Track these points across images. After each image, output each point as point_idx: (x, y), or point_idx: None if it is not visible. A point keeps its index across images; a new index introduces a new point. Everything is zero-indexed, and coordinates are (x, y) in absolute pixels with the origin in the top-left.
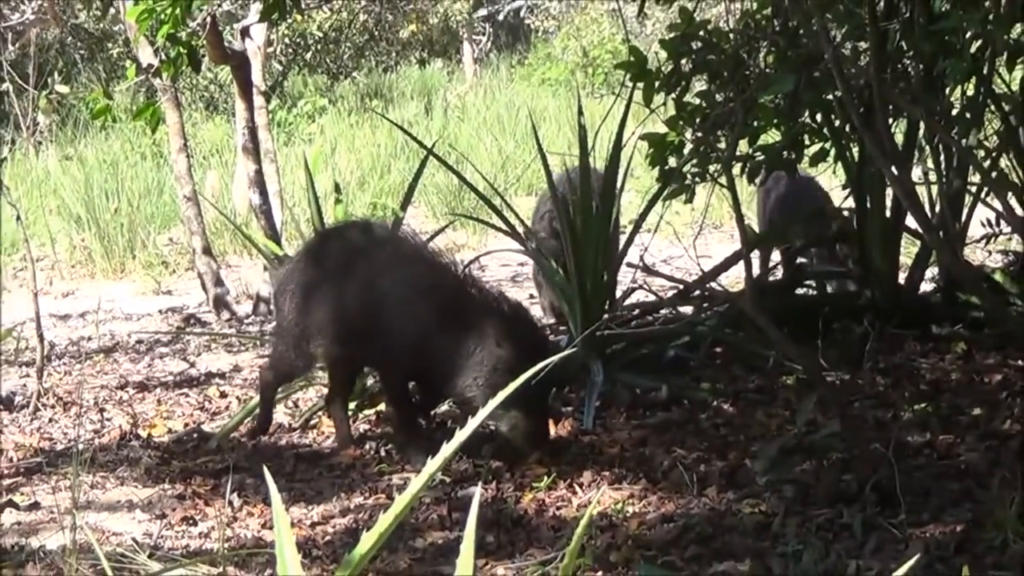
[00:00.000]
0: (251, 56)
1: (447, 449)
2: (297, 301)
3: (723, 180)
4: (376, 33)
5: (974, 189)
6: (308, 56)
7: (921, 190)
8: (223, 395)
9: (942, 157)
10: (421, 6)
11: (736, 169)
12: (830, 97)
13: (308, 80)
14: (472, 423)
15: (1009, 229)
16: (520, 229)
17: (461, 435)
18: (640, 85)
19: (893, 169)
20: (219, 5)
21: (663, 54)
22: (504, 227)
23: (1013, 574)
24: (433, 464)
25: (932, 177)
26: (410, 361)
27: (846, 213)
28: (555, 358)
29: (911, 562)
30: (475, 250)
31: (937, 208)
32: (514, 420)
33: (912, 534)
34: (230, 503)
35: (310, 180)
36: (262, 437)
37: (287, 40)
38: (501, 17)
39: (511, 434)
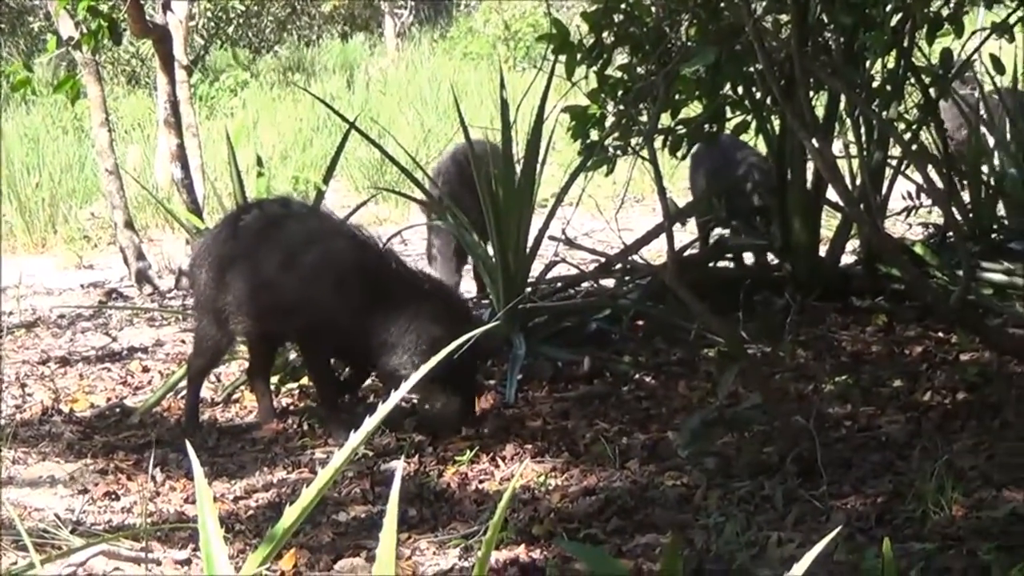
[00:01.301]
0: (173, 30)
1: (369, 423)
2: (217, 276)
3: (645, 153)
4: (298, 7)
5: (895, 162)
6: (230, 30)
7: (842, 163)
8: (145, 370)
9: (863, 130)
10: None
11: (658, 142)
12: (751, 70)
13: (230, 54)
14: (394, 397)
15: (929, 201)
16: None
17: (383, 409)
18: (562, 58)
19: (814, 142)
20: None
21: (585, 27)
22: (426, 200)
23: (934, 545)
24: (356, 438)
25: (853, 150)
26: (334, 337)
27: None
28: (477, 332)
29: (833, 534)
30: (397, 224)
31: (858, 181)
32: (443, 398)
33: (833, 506)
34: (152, 478)
35: (232, 154)
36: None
37: (209, 14)
38: None
39: (439, 412)
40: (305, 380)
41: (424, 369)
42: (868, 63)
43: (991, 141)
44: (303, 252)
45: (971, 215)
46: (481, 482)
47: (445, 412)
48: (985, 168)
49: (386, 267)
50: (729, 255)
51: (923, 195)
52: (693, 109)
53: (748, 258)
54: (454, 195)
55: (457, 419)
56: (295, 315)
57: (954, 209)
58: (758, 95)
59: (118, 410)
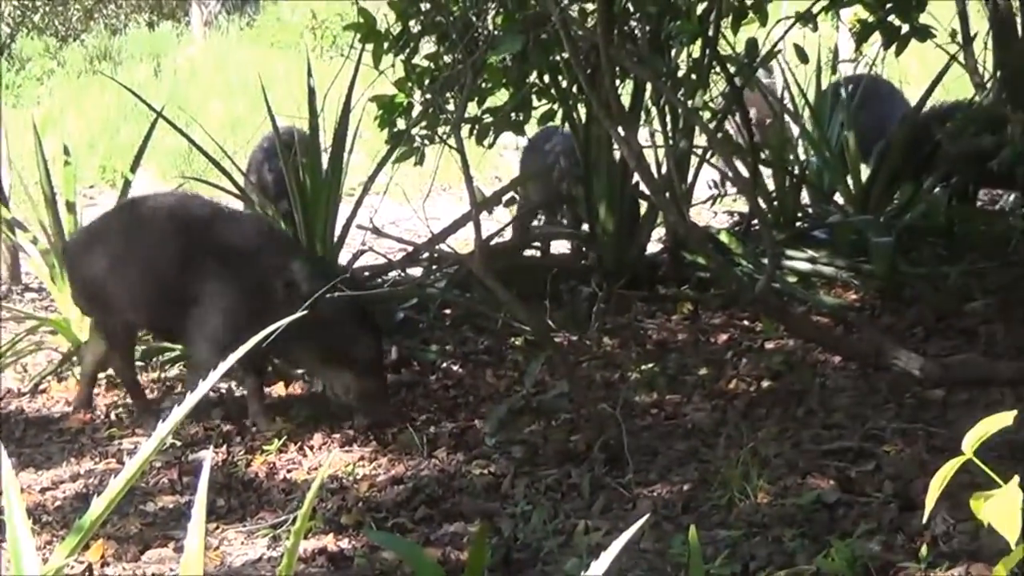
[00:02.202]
0: None
1: (178, 413)
2: (106, 271)
3: (452, 142)
4: None
5: (700, 150)
6: (36, 18)
7: (648, 151)
8: None
9: (668, 118)
10: None
11: (465, 131)
12: (558, 58)
13: (36, 42)
14: (203, 386)
15: (734, 190)
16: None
17: (192, 399)
18: (369, 47)
19: (620, 130)
20: None
21: (392, 16)
22: (234, 189)
23: (739, 532)
24: (164, 428)
25: (659, 138)
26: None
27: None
28: (283, 323)
29: (640, 522)
30: None
31: (663, 169)
32: (347, 382)
33: (640, 493)
34: None
35: (38, 143)
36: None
37: (15, 2)
38: None
39: (348, 398)
40: (111, 371)
41: (240, 351)
42: (674, 52)
43: (795, 129)
44: (202, 246)
45: (776, 203)
46: (289, 472)
47: (354, 399)
48: (790, 156)
49: (279, 252)
50: (537, 244)
51: (728, 183)
52: (500, 98)
53: (565, 246)
54: (263, 184)
55: (375, 399)
56: (196, 305)
57: (759, 197)
58: (564, 83)
59: None
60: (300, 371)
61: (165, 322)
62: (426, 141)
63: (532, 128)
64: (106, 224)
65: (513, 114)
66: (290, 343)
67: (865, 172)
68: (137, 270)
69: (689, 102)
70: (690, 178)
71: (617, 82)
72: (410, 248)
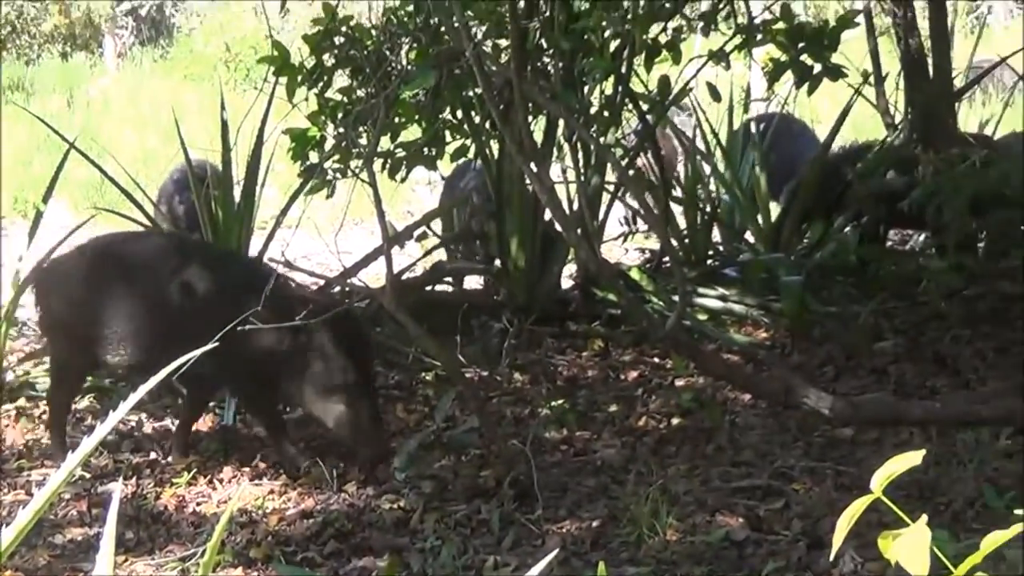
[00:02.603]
0: None
1: (87, 444)
2: (82, 305)
3: (364, 176)
4: (18, 25)
5: (612, 187)
6: None
7: (560, 187)
8: None
9: (580, 155)
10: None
11: (377, 165)
12: (471, 94)
13: None
14: (113, 418)
15: (646, 227)
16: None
17: (101, 430)
18: (283, 80)
19: (532, 166)
20: None
21: (306, 49)
22: (146, 221)
23: (648, 569)
24: (73, 460)
25: (571, 174)
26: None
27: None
28: (196, 352)
29: (548, 557)
30: None
31: (575, 205)
32: (339, 414)
33: (549, 530)
34: None
35: None
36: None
37: None
38: (144, 12)
39: (339, 430)
40: (22, 401)
41: (153, 381)
42: (587, 88)
43: (706, 168)
44: (192, 283)
45: (687, 241)
46: (199, 504)
47: (345, 432)
48: (701, 194)
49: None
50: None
51: (639, 220)
52: (413, 132)
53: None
54: (174, 215)
55: (372, 430)
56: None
57: (670, 235)
58: (477, 119)
59: None
60: (211, 403)
61: (145, 358)
62: (338, 175)
63: (445, 164)
64: (86, 257)
65: (426, 149)
66: (278, 372)
67: (776, 210)
68: (120, 307)
69: (601, 139)
70: (602, 215)
71: (530, 118)
72: (322, 282)
